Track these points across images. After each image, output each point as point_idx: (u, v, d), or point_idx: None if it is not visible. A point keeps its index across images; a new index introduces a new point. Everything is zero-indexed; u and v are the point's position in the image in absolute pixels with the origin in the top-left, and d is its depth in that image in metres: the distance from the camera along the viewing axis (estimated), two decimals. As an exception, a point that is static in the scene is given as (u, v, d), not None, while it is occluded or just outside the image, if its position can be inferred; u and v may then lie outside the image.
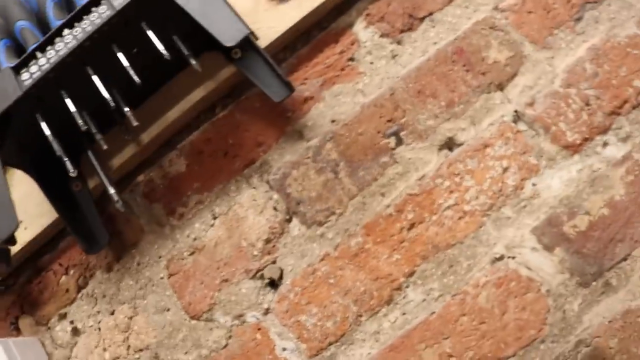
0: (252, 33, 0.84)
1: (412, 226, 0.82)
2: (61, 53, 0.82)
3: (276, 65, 0.86)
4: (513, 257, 0.79)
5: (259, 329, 0.85)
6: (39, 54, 0.83)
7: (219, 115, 0.93)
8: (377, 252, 0.83)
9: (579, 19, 0.85)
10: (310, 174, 0.87)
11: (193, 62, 0.84)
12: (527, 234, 0.79)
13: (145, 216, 0.92)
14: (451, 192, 0.82)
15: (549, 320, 0.76)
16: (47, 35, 0.83)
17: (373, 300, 0.82)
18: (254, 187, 0.89)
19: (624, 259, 0.76)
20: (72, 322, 0.92)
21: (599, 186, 0.78)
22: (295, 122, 0.90)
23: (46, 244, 0.95)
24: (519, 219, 0.79)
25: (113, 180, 0.90)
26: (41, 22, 0.91)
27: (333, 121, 0.88)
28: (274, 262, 0.86)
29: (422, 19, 0.90)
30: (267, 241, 0.87)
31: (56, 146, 0.83)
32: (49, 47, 0.83)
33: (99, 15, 0.82)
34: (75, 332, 0.92)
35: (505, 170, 0.81)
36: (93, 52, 0.82)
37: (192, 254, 0.89)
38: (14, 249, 0.91)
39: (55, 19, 0.88)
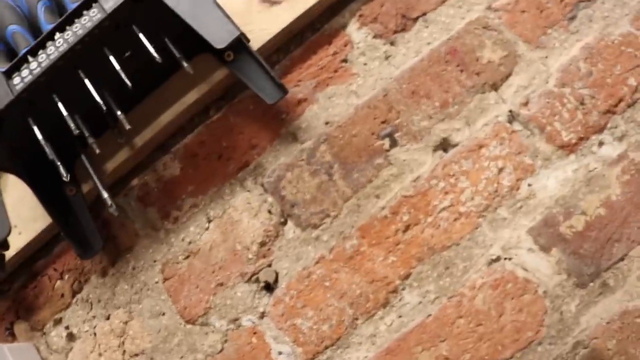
0: (243, 35, 0.82)
1: (407, 228, 0.80)
2: (52, 57, 0.79)
3: (269, 67, 0.83)
4: (509, 259, 0.76)
5: (255, 333, 0.82)
6: (30, 58, 0.80)
7: (213, 118, 0.90)
8: (372, 255, 0.80)
9: (572, 18, 0.82)
10: (305, 176, 0.85)
11: (185, 64, 0.81)
12: (524, 235, 0.76)
13: (140, 220, 0.90)
14: (446, 193, 0.80)
15: (546, 322, 0.74)
16: (39, 39, 0.81)
17: (369, 303, 0.79)
18: (249, 190, 0.87)
19: (621, 259, 0.73)
20: (67, 327, 0.90)
21: (595, 186, 0.76)
22: (289, 124, 0.87)
23: (41, 249, 0.93)
24: (515, 220, 0.77)
25: (107, 185, 0.88)
26: (32, 26, 0.88)
27: (327, 123, 0.86)
28: (269, 266, 0.84)
29: (415, 20, 0.87)
30: (262, 244, 0.84)
31: (48, 150, 0.80)
32: (40, 51, 0.80)
33: (90, 19, 0.79)
34: (71, 337, 0.89)
35: (500, 170, 0.79)
36: (84, 55, 0.80)
37: (187, 257, 0.87)
38: (9, 254, 0.89)
39: (46, 23, 0.86)
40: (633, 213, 0.74)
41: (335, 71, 0.88)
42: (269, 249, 0.84)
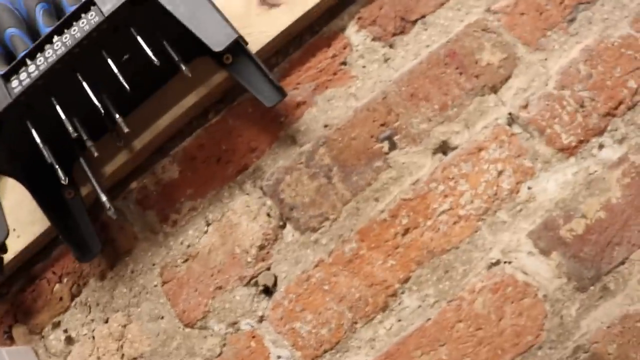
0: (241, 37, 0.80)
1: (406, 231, 0.79)
2: (50, 60, 0.78)
3: (268, 70, 0.82)
4: (509, 262, 0.75)
5: (254, 337, 0.81)
6: (28, 61, 0.79)
7: (212, 121, 0.89)
8: (371, 258, 0.79)
9: (572, 20, 0.81)
10: (304, 179, 0.83)
11: (183, 67, 0.80)
12: (523, 238, 0.75)
13: (139, 223, 0.89)
14: (446, 196, 0.78)
15: (546, 326, 0.72)
16: (37, 42, 0.79)
17: (368, 306, 0.78)
18: (247, 193, 0.85)
19: (622, 263, 0.72)
20: (65, 331, 0.88)
21: (595, 189, 0.74)
22: (288, 127, 0.86)
23: (39, 252, 0.91)
24: (514, 223, 0.76)
25: (106, 188, 0.87)
26: (31, 29, 0.87)
27: (326, 126, 0.84)
28: (268, 269, 0.82)
29: (414, 22, 0.86)
30: (261, 248, 0.83)
31: (47, 154, 0.79)
32: (38, 54, 0.79)
33: (88, 22, 0.78)
34: (69, 340, 0.88)
35: (500, 173, 0.78)
36: (83, 58, 0.79)
37: (185, 261, 0.86)
38: (7, 257, 0.88)
39: (44, 26, 0.84)
40: (634, 216, 0.73)
41: (334, 74, 0.87)
42: (267, 253, 0.83)
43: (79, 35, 0.78)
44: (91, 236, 0.85)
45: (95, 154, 0.81)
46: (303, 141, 0.85)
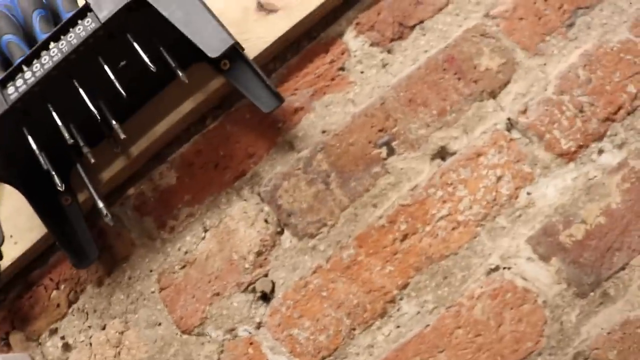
0: (237, 43, 0.79)
1: (405, 237, 0.77)
2: (47, 66, 0.77)
3: (265, 75, 0.81)
4: (508, 268, 0.73)
5: (251, 343, 0.79)
6: (25, 68, 0.78)
7: (209, 127, 0.88)
8: (369, 264, 0.78)
9: (570, 25, 0.80)
10: (301, 185, 0.82)
11: (180, 73, 0.79)
12: (523, 244, 0.74)
13: (136, 230, 0.87)
14: (444, 202, 0.77)
15: (546, 332, 0.71)
16: (33, 48, 0.78)
17: (366, 313, 0.76)
18: (245, 199, 0.84)
19: (622, 269, 0.71)
20: (63, 338, 0.87)
21: (594, 194, 0.73)
22: (285, 132, 0.85)
23: (37, 259, 0.90)
24: (513, 229, 0.74)
25: (103, 194, 0.86)
26: (28, 36, 0.86)
27: (324, 131, 0.83)
28: (265, 275, 0.81)
29: (412, 28, 0.85)
30: (259, 254, 0.82)
31: (43, 160, 0.78)
32: (34, 61, 0.78)
33: (84, 28, 0.77)
34: (66, 347, 0.87)
35: (499, 179, 0.76)
36: (79, 65, 0.78)
37: (183, 267, 0.84)
38: (4, 264, 0.87)
39: (41, 32, 0.83)
40: (634, 221, 0.72)
41: (332, 79, 0.85)
42: (265, 259, 0.81)
43: (75, 42, 0.77)
44: (88, 242, 0.84)
45: (92, 161, 0.79)
46: (301, 147, 0.84)
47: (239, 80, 0.82)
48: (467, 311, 0.73)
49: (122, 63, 0.80)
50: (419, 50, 0.84)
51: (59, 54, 0.77)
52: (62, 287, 0.89)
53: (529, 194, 0.75)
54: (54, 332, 0.88)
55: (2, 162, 0.82)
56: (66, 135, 0.77)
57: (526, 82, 0.79)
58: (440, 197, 0.77)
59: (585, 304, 0.70)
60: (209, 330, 0.81)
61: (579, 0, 0.80)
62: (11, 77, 0.78)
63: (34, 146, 0.78)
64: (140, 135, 0.86)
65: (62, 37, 0.78)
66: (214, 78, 0.85)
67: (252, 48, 0.85)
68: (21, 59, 0.79)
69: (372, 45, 0.86)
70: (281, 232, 0.82)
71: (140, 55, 0.77)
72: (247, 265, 0.82)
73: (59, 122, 0.78)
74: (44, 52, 0.78)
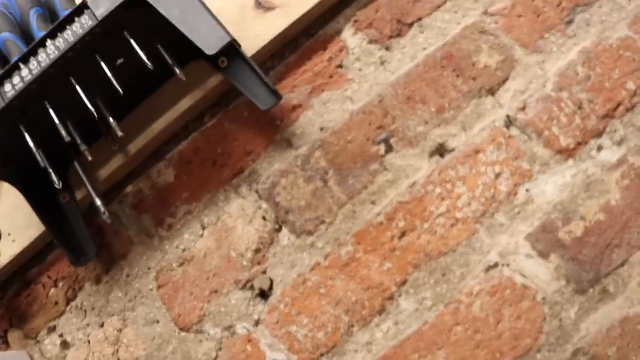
0: (234, 40, 0.79)
1: (403, 234, 0.77)
2: (43, 64, 0.76)
3: (263, 73, 0.80)
4: (507, 265, 0.73)
5: (250, 341, 0.79)
6: (21, 65, 0.77)
7: (207, 125, 0.87)
8: (368, 261, 0.77)
9: (569, 22, 0.79)
10: (299, 182, 0.82)
11: (177, 71, 0.78)
12: (521, 241, 0.73)
13: (134, 227, 0.87)
14: (443, 199, 0.77)
15: (545, 329, 0.70)
16: (30, 46, 0.78)
17: (365, 310, 0.76)
18: (243, 197, 0.83)
19: (621, 265, 0.70)
20: (61, 335, 0.86)
21: (594, 191, 0.73)
22: (283, 130, 0.84)
23: (35, 257, 0.89)
24: (512, 226, 0.74)
25: (101, 192, 0.85)
26: (25, 34, 0.85)
27: (322, 129, 0.83)
28: (263, 272, 0.80)
29: (410, 25, 0.84)
30: (257, 251, 0.81)
31: (40, 158, 0.77)
32: (31, 58, 0.77)
33: (81, 25, 0.76)
34: (65, 345, 0.86)
35: (497, 176, 0.76)
36: (76, 62, 0.77)
37: (181, 265, 0.84)
38: (2, 262, 0.86)
39: (38, 30, 0.83)
40: (633, 218, 0.71)
41: (330, 77, 0.85)
42: (263, 256, 0.81)
43: (72, 39, 0.76)
44: (86, 240, 0.84)
45: (89, 158, 0.79)
46: (299, 144, 0.83)
47: (236, 78, 0.81)
48: (465, 308, 0.73)
49: (120, 61, 0.80)
50: (417, 48, 0.83)
51: (56, 52, 0.76)
52: (60, 284, 0.88)
53: (527, 190, 0.74)
54: (52, 329, 0.87)
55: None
56: (63, 132, 0.77)
57: (525, 79, 0.78)
58: (439, 194, 0.77)
59: (585, 301, 0.70)
60: (207, 328, 0.81)
61: (577, -3, 0.79)
62: (8, 75, 0.78)
63: (31, 144, 0.77)
64: (138, 133, 0.86)
65: (59, 34, 0.77)
66: (211, 76, 0.85)
67: (250, 46, 0.84)
68: (18, 57, 0.78)
69: (370, 42, 0.85)
70: (279, 229, 0.81)
71: (137, 53, 0.77)
72: (245, 263, 0.81)
73: (56, 120, 0.77)
74: (40, 50, 0.77)
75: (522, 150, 0.76)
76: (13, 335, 0.88)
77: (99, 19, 0.75)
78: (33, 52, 0.77)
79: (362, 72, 0.84)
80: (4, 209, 0.88)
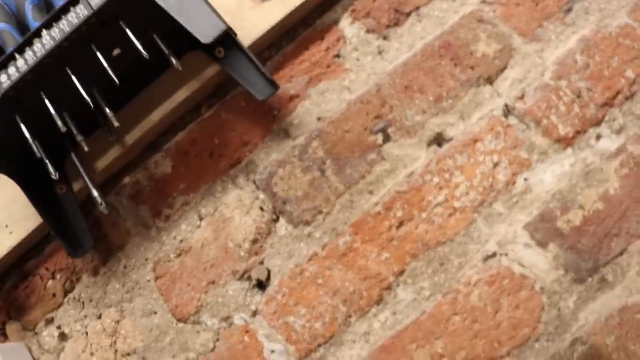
0: (230, 29, 0.78)
1: (401, 224, 0.76)
2: (39, 54, 0.75)
3: (260, 63, 0.79)
4: (505, 254, 0.72)
5: (247, 331, 0.78)
6: (17, 56, 0.77)
7: (204, 116, 0.87)
8: (365, 251, 0.76)
9: (568, 10, 0.78)
10: (297, 172, 0.81)
11: (174, 61, 0.77)
12: (520, 230, 0.72)
13: (132, 218, 0.86)
14: (440, 188, 0.76)
15: (543, 318, 0.69)
16: (25, 36, 0.77)
17: (362, 300, 0.75)
18: (240, 187, 0.83)
19: (620, 254, 0.69)
20: (59, 327, 0.86)
21: (592, 180, 0.72)
22: (281, 120, 0.84)
23: (32, 249, 0.89)
24: (511, 215, 0.73)
25: (98, 183, 0.85)
26: (21, 24, 0.85)
27: (319, 119, 0.82)
28: (261, 263, 0.80)
29: (408, 14, 0.83)
30: (254, 242, 0.81)
31: (36, 149, 0.77)
32: (27, 49, 0.77)
33: (76, 15, 0.76)
34: (63, 337, 0.86)
35: (495, 165, 0.75)
36: (72, 52, 0.76)
37: (178, 255, 0.83)
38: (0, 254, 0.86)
39: (34, 21, 0.82)
40: (632, 207, 0.70)
41: (328, 66, 0.84)
42: (261, 246, 0.80)
43: (67, 29, 0.75)
44: (83, 231, 0.83)
45: (86, 149, 0.78)
46: (296, 134, 0.82)
47: (233, 68, 0.80)
48: (463, 298, 0.72)
49: (117, 51, 0.79)
50: (415, 37, 0.82)
51: (52, 42, 0.76)
52: (58, 276, 0.88)
53: (526, 180, 0.74)
54: (50, 321, 0.87)
55: (-4, 151, 0.81)
56: (59, 123, 0.76)
57: (523, 68, 0.78)
58: (437, 183, 0.76)
59: (583, 290, 0.69)
60: (204, 319, 0.80)
61: (576, -15, 0.79)
62: (3, 66, 0.77)
63: (27, 134, 0.77)
64: (135, 124, 0.85)
65: (54, 24, 0.76)
66: (209, 66, 0.84)
67: (247, 36, 0.84)
68: (14, 47, 0.77)
69: (367, 32, 0.84)
70: (276, 220, 0.81)
71: (133, 43, 0.76)
72: (242, 253, 0.81)
73: (52, 110, 0.76)
74: (36, 40, 0.77)
75: (520, 139, 0.75)
76: (11, 327, 0.88)
77: (95, 8, 0.75)
78: (29, 43, 0.77)
79: (359, 62, 0.83)
80: (2, 201, 0.87)
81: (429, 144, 0.78)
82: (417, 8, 0.83)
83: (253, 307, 0.79)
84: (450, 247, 0.74)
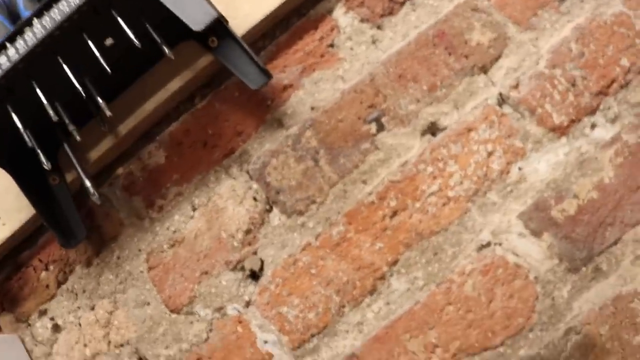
0: (222, 17, 0.77)
1: (394, 214, 0.76)
2: (30, 43, 0.75)
3: (253, 52, 0.79)
4: (500, 244, 0.72)
5: (240, 322, 0.78)
6: (8, 45, 0.76)
7: (198, 106, 0.86)
8: (359, 241, 0.76)
9: (563, -1, 0.78)
10: (290, 162, 0.80)
11: (166, 50, 0.77)
12: (514, 220, 0.72)
13: (125, 209, 0.86)
14: (434, 178, 0.75)
15: (537, 308, 0.69)
16: (16, 25, 0.76)
17: (356, 290, 0.75)
18: (234, 178, 0.82)
19: (615, 243, 0.69)
20: (52, 319, 0.86)
21: (587, 169, 0.71)
22: (274, 110, 0.83)
23: (25, 240, 0.88)
24: (505, 204, 0.73)
25: (91, 174, 0.84)
26: (12, 14, 0.84)
27: (313, 108, 0.81)
28: (254, 253, 0.79)
29: (402, 3, 0.83)
30: (247, 232, 0.80)
31: (28, 139, 0.76)
32: (18, 38, 0.76)
33: (68, 4, 0.75)
34: (56, 328, 0.85)
35: (490, 154, 0.75)
36: (63, 41, 0.75)
37: (171, 246, 0.83)
38: (-7, 245, 0.85)
39: (25, 10, 0.82)
40: (626, 196, 0.70)
41: (322, 56, 0.83)
42: (254, 237, 0.80)
43: (59, 18, 0.75)
44: (76, 222, 0.83)
45: (78, 139, 0.78)
46: (290, 124, 0.82)
47: (226, 57, 0.80)
48: (457, 287, 0.72)
49: (109, 41, 0.78)
50: (409, 26, 0.82)
51: (43, 31, 0.75)
52: (51, 268, 0.87)
53: (520, 169, 0.73)
54: (43, 313, 0.86)
55: (-13, 141, 0.80)
56: (51, 112, 0.75)
57: (518, 57, 0.77)
58: (431, 172, 0.76)
59: (577, 279, 0.69)
60: (197, 309, 0.80)
61: (571, -27, 0.78)
62: (-5, 55, 0.77)
63: (18, 124, 0.76)
64: (128, 114, 0.84)
65: (45, 13, 0.76)
66: (202, 56, 0.83)
67: (241, 25, 0.83)
68: (5, 36, 0.77)
69: (361, 21, 0.83)
70: (270, 210, 0.80)
71: (126, 32, 0.75)
72: (235, 244, 0.80)
73: (44, 100, 0.76)
74: (27, 29, 0.76)
75: (514, 128, 0.74)
76: (4, 319, 0.87)
77: (87, -4, 0.74)
78: (20, 31, 0.76)
79: (353, 51, 0.82)
80: (-5, 192, 0.87)
81: (423, 133, 0.77)
82: (412, -3, 0.83)
83: (246, 298, 0.78)
84: (444, 237, 0.73)
